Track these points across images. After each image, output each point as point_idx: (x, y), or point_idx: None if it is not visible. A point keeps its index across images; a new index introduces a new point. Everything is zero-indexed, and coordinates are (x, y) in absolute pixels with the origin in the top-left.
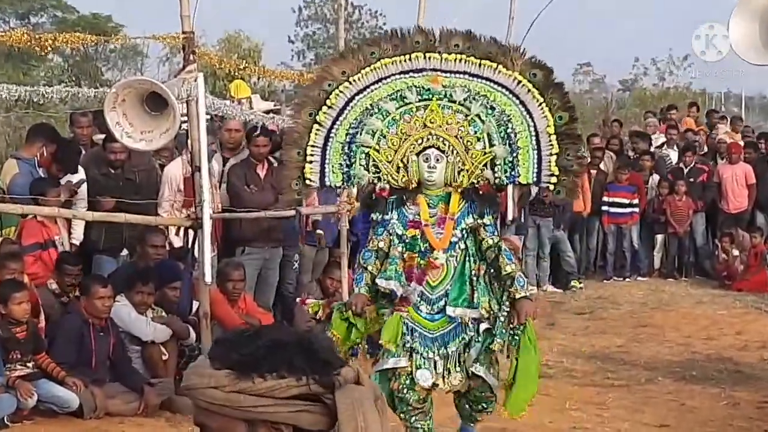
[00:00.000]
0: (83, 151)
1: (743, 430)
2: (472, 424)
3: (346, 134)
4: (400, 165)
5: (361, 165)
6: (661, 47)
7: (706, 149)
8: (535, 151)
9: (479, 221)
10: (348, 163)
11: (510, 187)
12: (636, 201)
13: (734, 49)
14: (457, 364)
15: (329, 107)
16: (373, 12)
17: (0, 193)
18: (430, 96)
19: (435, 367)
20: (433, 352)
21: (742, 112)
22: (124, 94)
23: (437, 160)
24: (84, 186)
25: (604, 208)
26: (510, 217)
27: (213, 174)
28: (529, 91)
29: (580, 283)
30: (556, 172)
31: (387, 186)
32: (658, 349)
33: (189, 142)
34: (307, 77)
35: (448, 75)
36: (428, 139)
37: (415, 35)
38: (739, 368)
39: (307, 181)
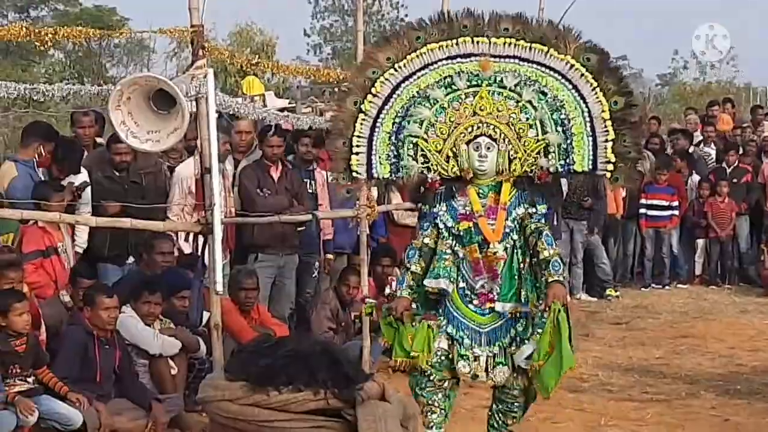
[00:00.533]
0: (85, 150)
1: None
2: None
3: (393, 123)
4: (450, 154)
5: (409, 155)
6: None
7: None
8: (590, 138)
9: (530, 210)
10: (395, 153)
11: None
12: (676, 203)
13: None
14: (504, 357)
15: (374, 95)
16: (394, 3)
17: None
18: (480, 82)
19: (477, 360)
20: (480, 348)
21: None
22: (130, 91)
23: (488, 148)
24: (88, 189)
25: (642, 210)
26: None
27: (227, 176)
28: (582, 75)
29: (616, 291)
30: (613, 159)
31: (438, 177)
32: (700, 361)
33: (199, 142)
34: (323, 73)
35: (497, 60)
36: (478, 127)
37: (462, 19)
38: None
39: (354, 174)
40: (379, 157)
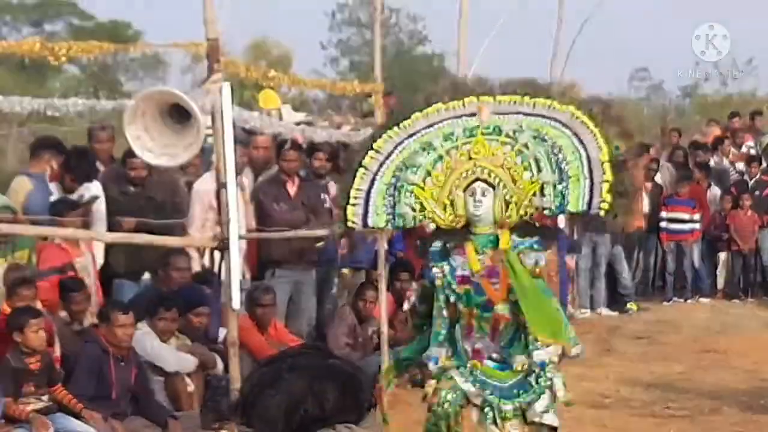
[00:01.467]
0: (96, 158)
1: None
2: None
3: (393, 177)
4: (447, 203)
5: (405, 204)
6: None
7: None
8: (587, 180)
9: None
10: (392, 203)
11: None
12: (697, 216)
13: None
14: (516, 412)
15: (376, 151)
16: (411, 16)
17: (11, 213)
18: (477, 133)
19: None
20: (508, 404)
21: None
22: (145, 106)
23: (483, 194)
24: (102, 205)
25: (663, 224)
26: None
27: (244, 189)
28: (582, 122)
29: (636, 305)
30: (608, 199)
31: (432, 225)
32: (723, 376)
33: (215, 157)
34: (340, 86)
35: (501, 117)
36: (473, 172)
37: (473, 86)
38: None
39: (349, 223)
40: (376, 207)
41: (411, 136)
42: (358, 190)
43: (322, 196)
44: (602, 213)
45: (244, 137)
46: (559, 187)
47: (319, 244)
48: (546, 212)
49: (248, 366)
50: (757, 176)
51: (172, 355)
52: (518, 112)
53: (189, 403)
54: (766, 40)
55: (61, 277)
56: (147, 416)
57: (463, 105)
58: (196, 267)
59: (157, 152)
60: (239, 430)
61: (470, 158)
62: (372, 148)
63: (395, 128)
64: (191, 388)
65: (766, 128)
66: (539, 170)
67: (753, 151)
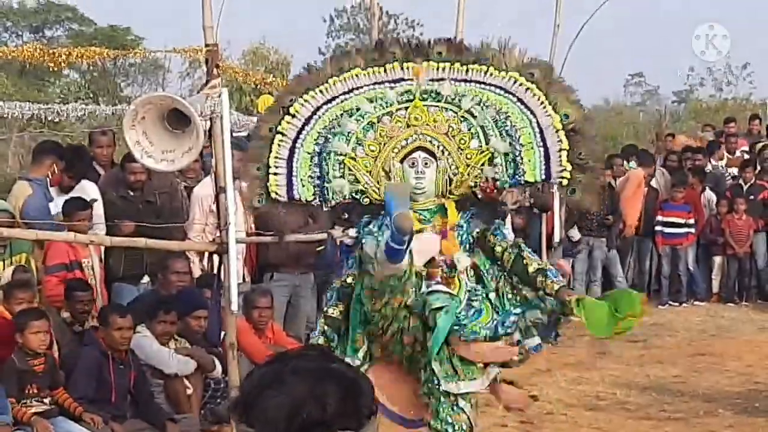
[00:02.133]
0: (94, 159)
1: None
2: None
3: (315, 144)
4: (383, 174)
5: (337, 176)
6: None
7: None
8: (541, 148)
9: (486, 228)
10: (319, 174)
11: (557, 206)
12: (692, 221)
13: None
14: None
15: (293, 116)
16: (410, 21)
17: (9, 217)
18: (413, 97)
19: None
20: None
21: None
22: (144, 111)
23: (425, 164)
24: (100, 209)
25: (658, 228)
26: (557, 238)
27: (243, 193)
28: (527, 89)
29: None
30: (568, 167)
31: (368, 201)
32: (718, 379)
33: (213, 161)
34: None
35: (429, 83)
36: (414, 140)
37: (390, 46)
38: None
39: (273, 195)
40: (301, 179)
41: (329, 101)
42: (277, 158)
43: None
44: (564, 183)
45: (241, 143)
46: (511, 155)
47: (319, 248)
48: (498, 183)
49: (247, 369)
50: (752, 181)
51: (171, 358)
52: (450, 79)
53: (188, 405)
54: (761, 44)
55: (68, 274)
56: (146, 419)
57: (384, 71)
58: (196, 271)
59: (157, 157)
60: (238, 430)
61: (408, 125)
62: (288, 113)
63: (312, 92)
64: (190, 390)
65: (762, 132)
66: (487, 138)
67: (747, 156)
